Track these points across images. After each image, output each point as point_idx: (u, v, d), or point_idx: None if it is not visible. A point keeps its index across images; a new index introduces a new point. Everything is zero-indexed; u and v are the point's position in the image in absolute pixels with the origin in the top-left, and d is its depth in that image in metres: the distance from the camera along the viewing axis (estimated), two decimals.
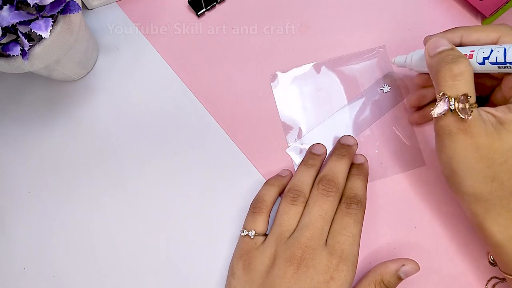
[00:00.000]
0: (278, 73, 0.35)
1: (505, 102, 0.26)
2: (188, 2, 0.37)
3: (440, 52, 0.25)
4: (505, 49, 0.23)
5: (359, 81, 0.34)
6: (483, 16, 0.35)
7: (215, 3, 0.37)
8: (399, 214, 0.31)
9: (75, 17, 0.29)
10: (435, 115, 0.24)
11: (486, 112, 0.24)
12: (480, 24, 0.25)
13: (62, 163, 0.35)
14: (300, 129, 0.34)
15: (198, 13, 0.37)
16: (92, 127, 0.35)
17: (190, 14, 0.37)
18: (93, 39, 0.36)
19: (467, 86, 0.23)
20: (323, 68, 0.35)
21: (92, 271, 0.32)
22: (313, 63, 0.35)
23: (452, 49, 0.25)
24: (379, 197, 0.32)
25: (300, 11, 0.36)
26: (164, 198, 0.33)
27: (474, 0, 0.34)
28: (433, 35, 0.27)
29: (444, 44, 0.25)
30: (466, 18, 0.35)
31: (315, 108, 0.34)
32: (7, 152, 0.35)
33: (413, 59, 0.29)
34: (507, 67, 0.23)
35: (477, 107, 0.23)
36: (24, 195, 0.34)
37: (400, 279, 0.27)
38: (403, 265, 0.27)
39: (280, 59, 0.35)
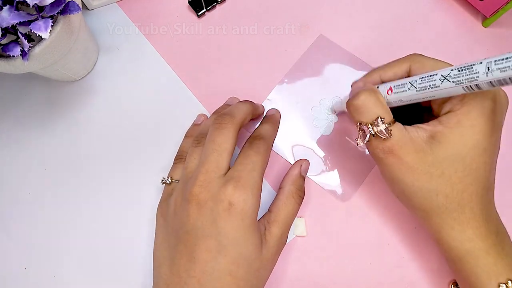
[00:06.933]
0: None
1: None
2: (188, 2, 0.37)
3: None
4: (409, 82, 0.24)
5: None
6: (483, 16, 0.35)
7: (215, 3, 0.37)
8: (399, 215, 0.31)
9: (75, 18, 0.29)
10: (362, 144, 0.25)
11: (417, 128, 0.24)
12: (393, 61, 0.27)
13: (63, 163, 0.35)
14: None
15: (199, 13, 0.37)
16: (92, 127, 0.35)
17: (190, 14, 0.37)
18: (93, 39, 0.36)
19: (376, 110, 0.24)
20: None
21: (93, 271, 0.32)
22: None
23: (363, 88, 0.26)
24: (380, 198, 0.32)
25: (300, 11, 0.36)
26: None
27: (474, 0, 0.34)
28: (357, 80, 0.28)
29: (358, 86, 0.27)
30: (466, 19, 0.35)
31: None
32: (8, 152, 0.35)
33: (342, 103, 0.31)
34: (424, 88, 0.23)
35: (394, 122, 0.24)
36: (25, 195, 0.34)
37: (304, 178, 0.31)
38: (301, 165, 0.31)
39: (280, 59, 0.35)
